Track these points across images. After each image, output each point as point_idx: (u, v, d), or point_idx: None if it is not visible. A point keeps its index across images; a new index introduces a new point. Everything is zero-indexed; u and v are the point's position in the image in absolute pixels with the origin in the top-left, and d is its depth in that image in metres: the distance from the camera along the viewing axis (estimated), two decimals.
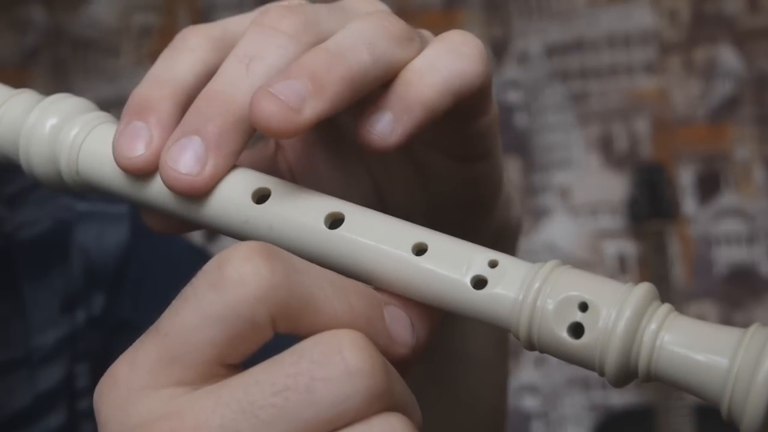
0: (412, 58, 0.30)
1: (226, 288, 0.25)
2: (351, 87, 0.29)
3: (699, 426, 1.62)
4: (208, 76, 0.31)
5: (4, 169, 0.36)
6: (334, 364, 0.24)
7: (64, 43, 2.13)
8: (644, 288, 0.27)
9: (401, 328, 0.28)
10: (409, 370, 0.28)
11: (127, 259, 0.50)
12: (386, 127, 0.29)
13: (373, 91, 0.30)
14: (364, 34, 0.29)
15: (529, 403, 1.87)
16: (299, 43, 0.30)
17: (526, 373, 1.86)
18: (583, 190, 1.89)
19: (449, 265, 0.28)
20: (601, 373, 0.27)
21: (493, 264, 0.28)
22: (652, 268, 1.73)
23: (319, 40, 0.30)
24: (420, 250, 0.29)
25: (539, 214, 1.90)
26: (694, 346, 0.26)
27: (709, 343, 0.26)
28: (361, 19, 0.30)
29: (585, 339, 0.27)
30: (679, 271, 1.83)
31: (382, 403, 0.24)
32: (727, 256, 1.83)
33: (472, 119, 0.32)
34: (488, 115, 0.33)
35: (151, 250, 0.51)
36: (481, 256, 0.28)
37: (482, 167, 0.34)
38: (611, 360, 0.26)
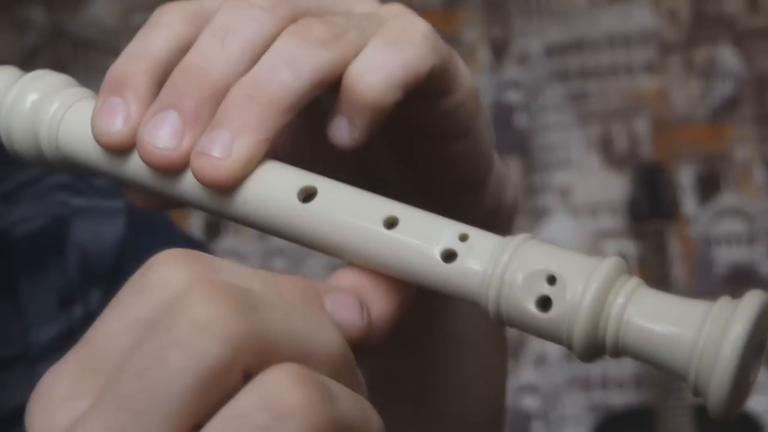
0: (349, 53, 0.30)
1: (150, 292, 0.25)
2: (277, 110, 0.29)
3: (699, 426, 1.62)
4: (183, 50, 0.31)
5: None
6: (179, 324, 0.23)
7: (64, 43, 2.13)
8: (613, 261, 0.26)
9: (345, 311, 0.27)
10: (373, 350, 0.28)
11: (123, 255, 0.50)
12: (344, 131, 0.30)
13: (328, 91, 0.30)
14: (283, 52, 0.29)
15: (529, 403, 1.87)
16: (275, 17, 0.30)
17: (526, 373, 1.86)
18: (583, 190, 1.89)
19: (419, 238, 0.28)
20: (570, 347, 0.26)
21: (463, 237, 0.28)
22: (652, 268, 1.73)
23: (295, 13, 0.30)
24: (391, 223, 0.29)
25: (539, 214, 1.90)
26: (661, 318, 0.25)
27: (676, 316, 0.25)
28: (281, 36, 0.30)
29: (553, 312, 0.26)
30: (679, 271, 1.83)
31: (250, 352, 0.23)
32: (727, 256, 1.83)
33: (436, 99, 0.32)
34: (455, 93, 0.32)
35: (147, 245, 0.51)
36: (451, 230, 0.28)
37: (462, 145, 0.34)
38: (578, 333, 0.26)
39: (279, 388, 0.23)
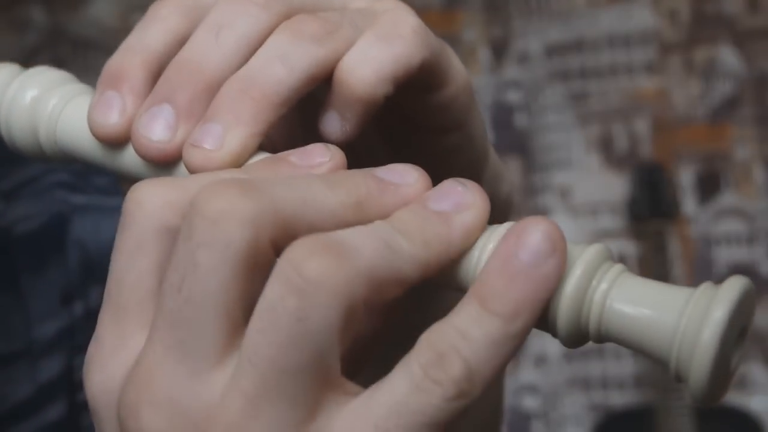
0: (342, 48, 0.31)
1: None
2: (270, 104, 0.29)
3: (699, 426, 1.63)
4: (179, 44, 0.31)
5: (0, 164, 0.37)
6: (196, 226, 0.25)
7: (64, 43, 2.13)
8: (596, 248, 0.27)
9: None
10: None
11: None
12: (335, 125, 0.31)
13: (319, 86, 0.31)
14: (276, 47, 0.30)
15: (529, 403, 1.87)
16: (269, 13, 0.31)
17: (526, 373, 1.86)
18: (583, 190, 1.90)
19: None
20: (554, 334, 0.27)
21: None
22: (652, 268, 1.74)
23: (290, 9, 0.31)
24: None
25: (539, 214, 1.90)
26: (643, 304, 0.26)
27: (657, 301, 0.26)
28: (275, 32, 0.30)
29: None
30: (679, 271, 1.83)
31: (269, 227, 0.25)
32: (727, 256, 1.83)
33: (429, 93, 0.33)
34: (448, 87, 0.33)
35: None
36: None
37: (457, 138, 0.35)
38: (562, 319, 0.26)
39: (297, 268, 0.24)
